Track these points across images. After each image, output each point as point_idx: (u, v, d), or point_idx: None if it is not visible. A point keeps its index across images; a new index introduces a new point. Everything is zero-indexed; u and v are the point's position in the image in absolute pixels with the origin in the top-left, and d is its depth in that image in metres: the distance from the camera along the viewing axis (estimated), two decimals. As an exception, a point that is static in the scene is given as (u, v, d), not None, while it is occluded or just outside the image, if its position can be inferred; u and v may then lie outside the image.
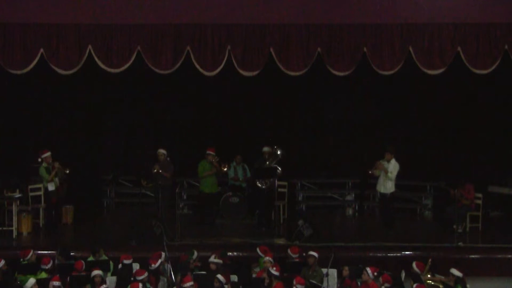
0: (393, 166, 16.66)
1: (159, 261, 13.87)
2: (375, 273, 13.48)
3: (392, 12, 16.03)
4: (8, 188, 16.96)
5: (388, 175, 16.60)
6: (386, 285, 13.24)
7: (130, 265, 14.00)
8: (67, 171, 16.91)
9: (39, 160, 16.69)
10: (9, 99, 19.07)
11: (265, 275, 13.59)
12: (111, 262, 14.33)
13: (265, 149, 17.61)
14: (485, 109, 19.10)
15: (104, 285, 13.18)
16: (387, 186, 16.75)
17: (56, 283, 13.03)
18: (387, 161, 16.71)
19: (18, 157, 19.02)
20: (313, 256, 14.14)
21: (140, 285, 12.96)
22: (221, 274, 13.45)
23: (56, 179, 16.69)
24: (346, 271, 13.78)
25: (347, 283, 13.66)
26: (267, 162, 17.36)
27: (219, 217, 17.87)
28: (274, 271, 13.48)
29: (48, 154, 16.68)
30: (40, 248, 15.13)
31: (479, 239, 16.44)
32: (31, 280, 12.98)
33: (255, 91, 19.13)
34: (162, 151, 17.08)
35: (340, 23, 16.15)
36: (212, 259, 14.07)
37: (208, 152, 17.48)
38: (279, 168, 17.19)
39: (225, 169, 17.72)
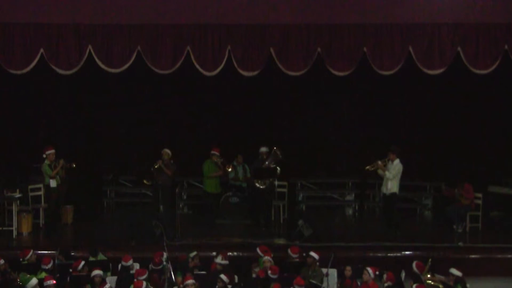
0: (393, 167, 16.53)
1: (162, 259, 13.90)
2: (377, 273, 13.49)
3: (392, 12, 16.05)
4: (8, 188, 16.96)
5: (386, 174, 16.51)
6: (389, 283, 13.26)
7: (128, 267, 14.03)
8: (74, 165, 16.91)
9: (43, 156, 16.70)
10: (9, 99, 19.07)
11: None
12: (110, 263, 14.34)
13: (263, 149, 17.60)
14: (485, 109, 19.09)
15: (108, 285, 13.19)
16: (387, 186, 16.67)
17: (50, 282, 13.06)
18: (391, 161, 16.59)
19: (18, 157, 19.01)
20: (312, 257, 14.13)
21: (144, 283, 12.99)
22: (225, 274, 13.47)
23: (58, 177, 16.70)
24: (348, 271, 13.78)
25: (348, 283, 13.67)
26: (267, 162, 17.35)
27: (219, 217, 17.87)
28: (271, 274, 13.48)
29: (52, 151, 16.68)
30: (40, 248, 15.11)
31: (479, 239, 16.43)
32: (34, 281, 13.00)
33: (255, 91, 19.13)
34: (167, 150, 17.08)
35: (340, 23, 16.17)
36: (219, 260, 14.06)
37: (213, 152, 17.48)
38: (278, 168, 17.20)
39: (229, 170, 17.72)
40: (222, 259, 14.08)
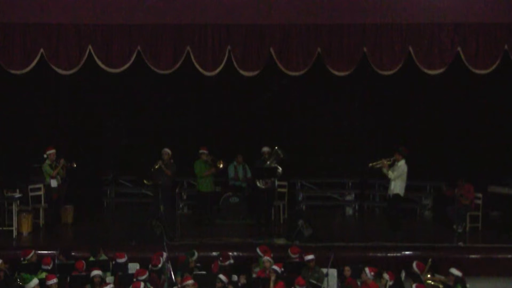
0: (397, 167, 16.51)
1: (161, 260, 13.88)
2: (372, 273, 13.49)
3: (392, 12, 16.05)
4: (8, 188, 16.96)
5: (389, 174, 16.52)
6: (389, 283, 13.28)
7: (123, 264, 14.02)
8: (74, 165, 16.90)
9: (44, 156, 16.69)
10: (9, 99, 19.07)
11: (272, 275, 13.54)
12: (111, 262, 14.34)
13: (265, 149, 17.60)
14: (485, 109, 19.09)
15: (111, 285, 13.18)
16: (390, 187, 16.65)
17: (52, 281, 13.06)
18: (396, 161, 16.59)
19: (18, 157, 19.00)
20: (313, 259, 14.13)
21: (142, 284, 12.98)
22: (224, 274, 13.49)
23: (59, 177, 16.70)
24: (347, 271, 13.81)
25: (348, 282, 13.69)
26: (268, 162, 17.36)
27: (219, 217, 17.87)
28: (277, 268, 13.52)
29: (52, 151, 16.72)
30: (40, 248, 15.10)
31: (479, 239, 16.44)
32: (35, 281, 13.00)
33: (255, 91, 19.13)
34: (167, 150, 17.13)
35: (340, 23, 16.16)
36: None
37: (201, 151, 17.48)
38: (279, 168, 17.19)
39: (221, 166, 17.63)
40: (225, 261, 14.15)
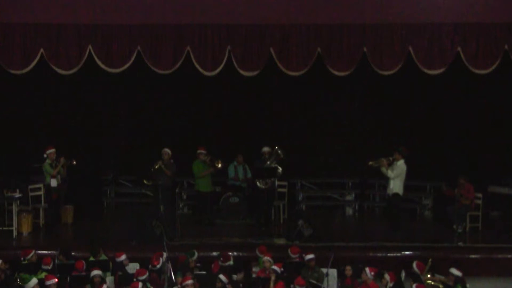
0: (397, 167, 16.53)
1: (161, 260, 13.88)
2: (372, 273, 13.49)
3: (392, 12, 16.06)
4: (8, 188, 16.96)
5: (388, 173, 16.54)
6: (390, 283, 13.28)
7: (122, 262, 14.02)
8: (75, 162, 16.90)
9: (44, 156, 16.69)
10: (9, 99, 19.07)
11: (271, 275, 13.54)
12: (111, 262, 14.35)
13: (265, 149, 17.60)
14: (485, 109, 19.09)
15: (105, 285, 13.18)
16: (389, 186, 16.69)
17: (52, 281, 13.07)
18: (396, 161, 16.61)
19: (18, 157, 19.01)
20: (313, 259, 14.14)
21: (140, 284, 12.98)
22: (224, 274, 13.48)
23: (59, 176, 16.70)
24: (348, 270, 13.80)
25: (348, 282, 13.69)
26: (268, 162, 17.36)
27: (219, 217, 17.87)
28: (277, 268, 13.51)
29: (52, 150, 16.69)
30: (40, 248, 15.10)
31: (479, 239, 16.45)
32: (34, 280, 13.00)
33: (255, 91, 19.13)
34: (167, 150, 17.11)
35: (340, 23, 16.17)
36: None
37: (199, 151, 17.49)
38: (280, 168, 17.19)
39: (219, 166, 17.60)
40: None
